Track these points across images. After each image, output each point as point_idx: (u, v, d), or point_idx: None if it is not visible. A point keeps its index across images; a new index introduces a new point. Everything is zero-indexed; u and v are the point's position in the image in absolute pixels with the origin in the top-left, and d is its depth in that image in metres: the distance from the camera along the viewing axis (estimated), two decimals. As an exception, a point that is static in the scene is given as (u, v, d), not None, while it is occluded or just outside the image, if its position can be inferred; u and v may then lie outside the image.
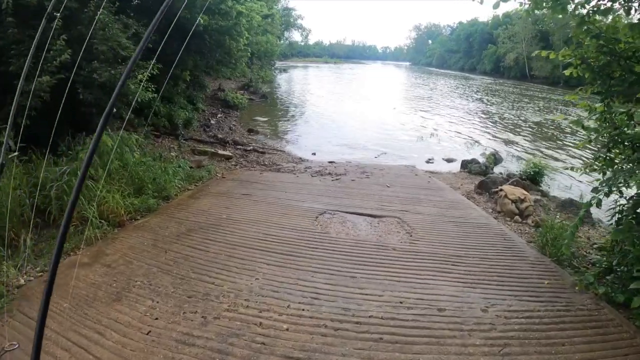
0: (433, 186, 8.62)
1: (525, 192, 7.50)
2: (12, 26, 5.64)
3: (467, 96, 34.46)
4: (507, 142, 16.40)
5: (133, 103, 6.55)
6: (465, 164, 11.41)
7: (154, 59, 8.17)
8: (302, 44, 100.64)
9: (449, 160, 12.76)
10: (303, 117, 20.10)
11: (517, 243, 5.66)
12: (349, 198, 7.35)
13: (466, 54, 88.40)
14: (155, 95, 7.48)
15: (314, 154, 12.69)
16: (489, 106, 27.98)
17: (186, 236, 5.26)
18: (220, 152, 10.88)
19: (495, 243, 5.58)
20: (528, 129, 19.78)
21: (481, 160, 12.05)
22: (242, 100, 19.63)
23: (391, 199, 7.45)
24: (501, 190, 7.63)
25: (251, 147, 12.11)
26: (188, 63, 12.77)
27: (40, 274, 4.39)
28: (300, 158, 11.83)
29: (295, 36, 70.97)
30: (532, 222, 6.69)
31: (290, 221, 5.95)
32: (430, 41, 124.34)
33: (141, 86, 7.33)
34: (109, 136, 5.54)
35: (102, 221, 5.25)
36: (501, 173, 10.74)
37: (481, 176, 10.15)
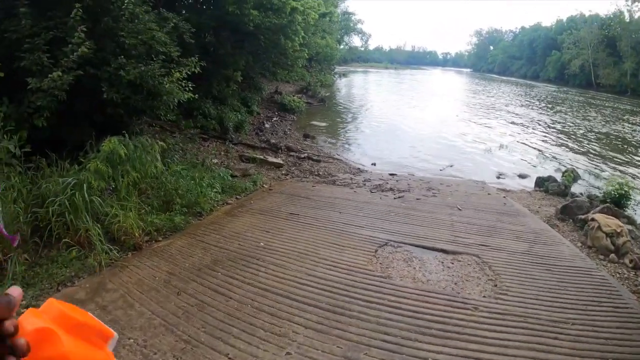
0: (510, 210, 7.09)
1: (621, 224, 5.96)
2: (27, 17, 4.89)
3: (531, 105, 31.52)
4: (579, 156, 14.37)
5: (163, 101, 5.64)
6: (540, 182, 9.82)
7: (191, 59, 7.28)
8: (362, 49, 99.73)
9: (522, 177, 11.25)
10: (362, 123, 18.88)
11: (626, 299, 4.06)
12: (414, 224, 5.99)
13: (529, 61, 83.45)
14: (193, 95, 6.57)
15: (373, 164, 11.51)
16: (554, 115, 25.39)
17: (209, 271, 4.16)
18: (271, 159, 9.88)
19: (602, 300, 4.00)
20: (597, 141, 17.47)
21: (557, 176, 10.36)
22: (300, 104, 18.73)
23: (464, 226, 6.01)
24: (593, 220, 6.11)
25: (305, 155, 11.03)
26: (240, 63, 11.96)
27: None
28: (359, 168, 10.62)
29: (355, 41, 70.09)
30: (630, 262, 5.21)
31: (343, 256, 4.68)
32: (491, 47, 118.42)
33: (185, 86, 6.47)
34: (121, 144, 4.58)
35: (111, 246, 4.31)
36: (581, 194, 9.13)
37: (559, 197, 8.74)
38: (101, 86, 5.31)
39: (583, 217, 6.58)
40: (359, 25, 59.80)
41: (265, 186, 7.84)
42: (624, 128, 21.44)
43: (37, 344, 0.55)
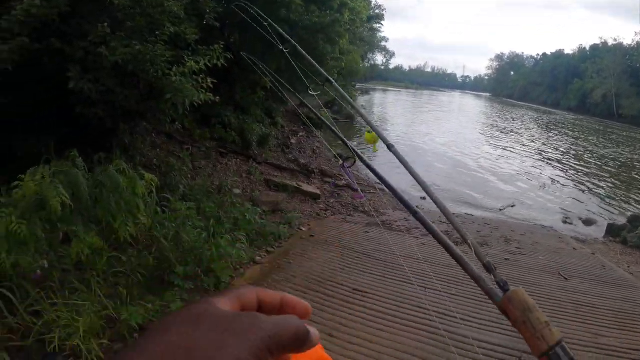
0: (616, 277, 5.38)
1: None
2: None
3: (562, 134, 30.02)
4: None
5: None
6: (614, 230, 8.46)
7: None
8: (382, 67, 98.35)
9: (588, 223, 9.75)
10: (395, 144, 16.82)
11: None
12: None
13: (550, 88, 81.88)
14: (213, 97, 4.44)
15: (423, 198, 9.25)
16: (588, 147, 24.41)
17: None
18: (305, 187, 7.71)
19: None
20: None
21: (618, 219, 9.61)
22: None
23: (591, 311, 4.05)
24: None
25: (344, 182, 8.84)
26: (271, 66, 9.87)
27: None
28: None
29: (378, 58, 68.38)
30: None
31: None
32: (512, 72, 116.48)
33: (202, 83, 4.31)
34: (56, 182, 2.27)
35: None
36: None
37: (641, 250, 7.43)
38: (67, 70, 3.18)
39: None
40: (383, 43, 58.04)
41: (304, 229, 5.65)
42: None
43: None
